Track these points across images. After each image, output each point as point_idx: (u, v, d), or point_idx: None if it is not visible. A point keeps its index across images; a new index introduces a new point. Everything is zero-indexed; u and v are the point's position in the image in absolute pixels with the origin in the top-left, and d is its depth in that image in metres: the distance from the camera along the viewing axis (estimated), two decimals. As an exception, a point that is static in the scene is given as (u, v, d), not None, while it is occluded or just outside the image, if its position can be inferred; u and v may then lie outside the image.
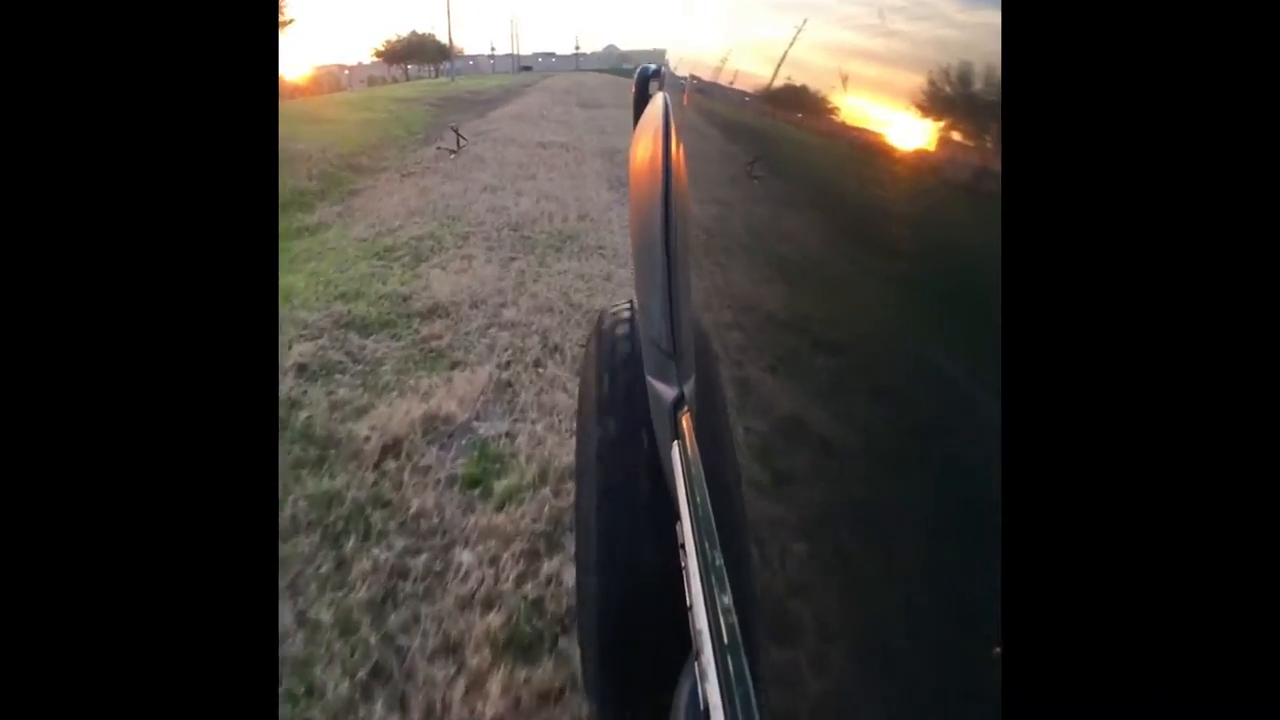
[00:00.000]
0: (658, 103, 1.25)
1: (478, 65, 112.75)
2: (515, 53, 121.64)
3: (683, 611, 0.66)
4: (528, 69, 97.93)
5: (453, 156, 8.36)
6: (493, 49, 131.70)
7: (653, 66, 1.71)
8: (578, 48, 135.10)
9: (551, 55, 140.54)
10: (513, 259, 4.22)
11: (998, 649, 0.23)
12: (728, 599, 0.55)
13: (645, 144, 1.19)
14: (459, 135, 9.04)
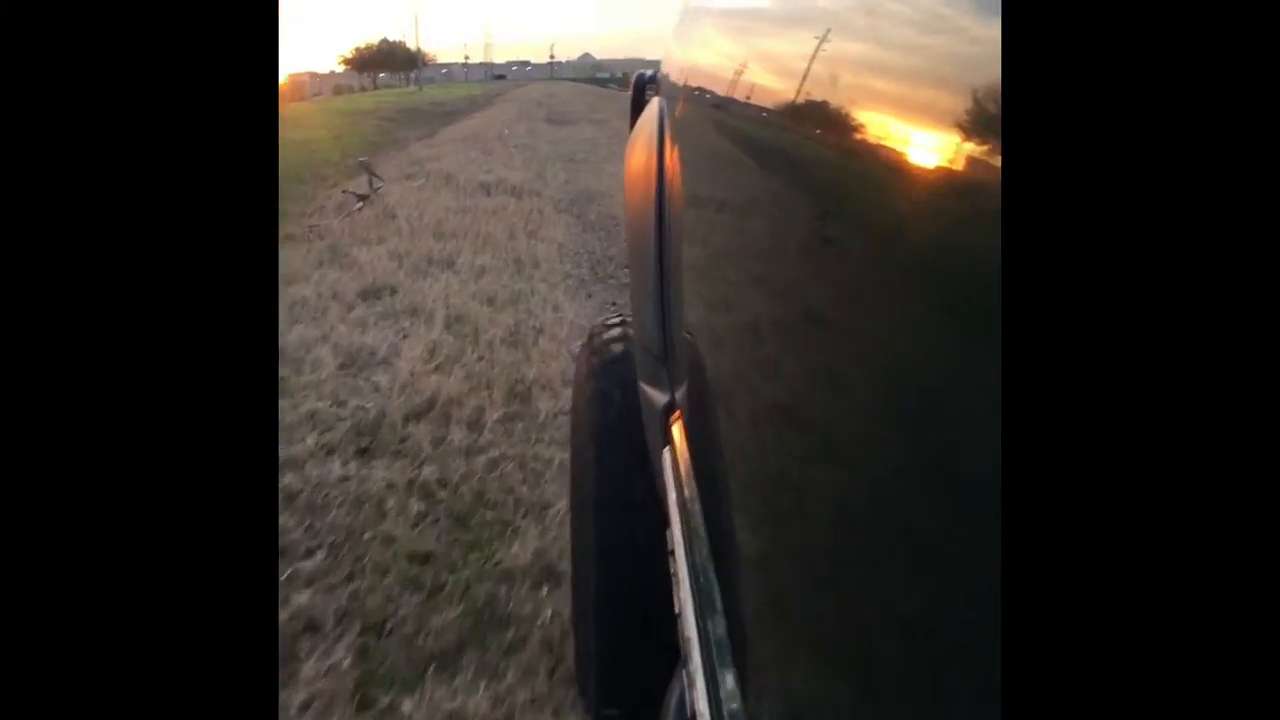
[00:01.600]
0: (653, 108, 1.21)
1: (451, 74, 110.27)
2: (488, 61, 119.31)
3: (672, 618, 0.68)
4: (501, 78, 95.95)
5: (359, 209, 5.84)
6: (466, 58, 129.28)
7: (649, 73, 1.63)
8: (553, 57, 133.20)
9: (526, 64, 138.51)
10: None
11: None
12: (717, 606, 0.57)
13: (640, 149, 1.19)
14: (373, 175, 6.52)
